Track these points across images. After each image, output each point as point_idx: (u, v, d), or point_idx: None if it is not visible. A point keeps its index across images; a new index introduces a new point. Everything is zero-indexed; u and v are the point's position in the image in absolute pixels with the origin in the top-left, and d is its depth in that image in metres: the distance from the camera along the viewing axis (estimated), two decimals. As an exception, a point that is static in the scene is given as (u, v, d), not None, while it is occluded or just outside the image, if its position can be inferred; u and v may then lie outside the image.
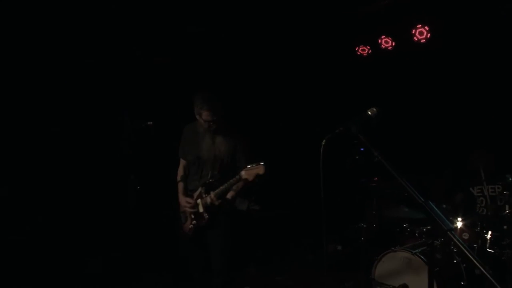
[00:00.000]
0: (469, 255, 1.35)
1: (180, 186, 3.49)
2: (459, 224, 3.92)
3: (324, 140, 1.96)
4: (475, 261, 1.34)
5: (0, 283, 4.16)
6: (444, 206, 4.07)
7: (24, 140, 4.53)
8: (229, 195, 3.22)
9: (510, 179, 3.64)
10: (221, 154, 3.25)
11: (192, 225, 3.28)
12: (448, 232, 1.43)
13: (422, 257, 3.67)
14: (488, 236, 3.69)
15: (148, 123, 3.39)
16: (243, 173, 3.06)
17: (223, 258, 3.26)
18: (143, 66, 4.74)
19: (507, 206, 3.75)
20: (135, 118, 3.83)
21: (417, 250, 3.75)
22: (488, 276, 1.31)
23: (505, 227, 3.60)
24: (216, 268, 3.25)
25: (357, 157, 4.59)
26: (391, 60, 5.83)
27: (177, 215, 3.50)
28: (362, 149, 5.40)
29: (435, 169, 4.91)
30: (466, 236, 3.83)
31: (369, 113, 1.98)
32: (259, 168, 3.03)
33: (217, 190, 3.16)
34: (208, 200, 3.18)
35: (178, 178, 3.54)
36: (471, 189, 4.43)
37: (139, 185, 4.10)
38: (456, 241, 1.39)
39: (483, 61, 4.97)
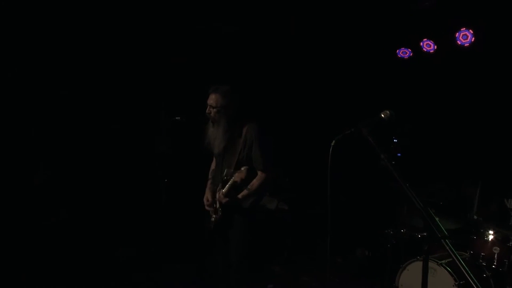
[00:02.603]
0: (460, 266, 1.31)
1: (208, 182, 3.55)
2: (491, 237, 3.75)
3: (333, 141, 1.94)
4: (465, 273, 1.31)
5: (37, 269, 4.37)
6: (475, 217, 3.92)
7: (72, 134, 4.75)
8: (240, 195, 3.14)
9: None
10: (232, 148, 3.21)
11: (213, 220, 3.34)
12: (442, 240, 1.39)
13: (448, 268, 3.55)
14: (521, 252, 3.50)
15: (176, 118, 3.43)
16: (236, 174, 3.02)
17: (238, 257, 3.22)
18: (177, 61, 4.86)
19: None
20: (168, 114, 3.91)
21: (443, 261, 3.63)
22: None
23: (539, 243, 3.41)
24: (232, 265, 3.25)
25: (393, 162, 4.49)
26: (432, 64, 5.65)
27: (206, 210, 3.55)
28: (399, 154, 5.29)
29: (471, 178, 4.72)
30: (496, 250, 3.66)
31: (382, 115, 1.95)
32: (241, 173, 2.98)
33: (224, 188, 3.13)
34: (218, 197, 3.20)
35: (210, 170, 3.60)
36: (505, 200, 4.22)
37: (169, 179, 4.20)
38: (449, 250, 1.35)
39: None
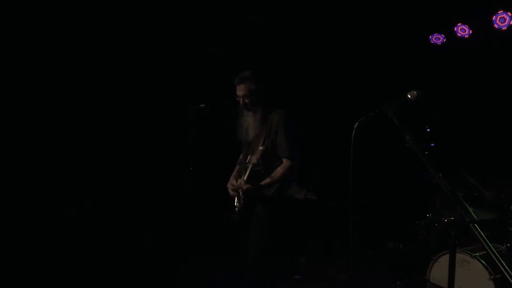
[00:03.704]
0: (490, 252, 1.22)
1: (235, 169, 3.52)
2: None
3: (356, 123, 1.86)
4: (498, 262, 1.21)
5: (59, 256, 4.47)
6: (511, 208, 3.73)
7: (101, 122, 4.83)
8: (263, 182, 3.07)
9: None
10: (258, 136, 3.15)
11: (236, 207, 3.30)
12: (470, 224, 1.30)
13: (482, 261, 3.39)
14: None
15: (201, 105, 3.41)
16: (252, 157, 2.98)
17: (257, 247, 3.13)
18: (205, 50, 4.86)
19: None
20: (193, 101, 3.88)
21: (477, 254, 3.48)
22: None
23: None
24: (251, 256, 3.16)
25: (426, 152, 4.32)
26: (468, 49, 5.41)
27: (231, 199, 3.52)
28: (432, 144, 5.08)
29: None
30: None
31: (409, 96, 1.85)
32: (257, 153, 2.94)
33: (245, 175, 3.07)
34: (239, 184, 3.13)
35: (238, 162, 3.56)
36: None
37: (195, 167, 4.20)
38: (478, 235, 1.26)
39: None
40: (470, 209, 4.03)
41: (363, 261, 5.38)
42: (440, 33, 5.61)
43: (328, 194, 5.51)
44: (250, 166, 3.05)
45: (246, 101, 3.14)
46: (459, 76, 5.55)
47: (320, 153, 5.64)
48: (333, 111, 6.13)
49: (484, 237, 1.28)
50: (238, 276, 4.27)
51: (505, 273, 1.34)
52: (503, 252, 3.66)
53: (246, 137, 3.23)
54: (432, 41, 5.72)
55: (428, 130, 5.81)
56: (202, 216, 5.00)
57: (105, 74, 4.77)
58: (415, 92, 1.84)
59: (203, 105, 3.43)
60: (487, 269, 3.33)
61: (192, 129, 4.11)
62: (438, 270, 3.71)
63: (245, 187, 3.07)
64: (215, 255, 5.04)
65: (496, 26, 4.95)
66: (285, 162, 3.09)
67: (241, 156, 3.51)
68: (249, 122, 3.19)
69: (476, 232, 1.27)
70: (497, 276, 3.27)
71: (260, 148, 3.04)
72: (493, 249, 1.30)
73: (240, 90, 3.13)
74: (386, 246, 5.87)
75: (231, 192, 3.27)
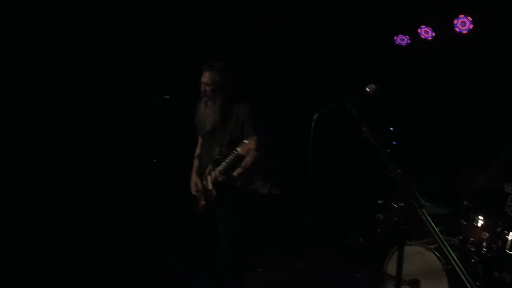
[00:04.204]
0: (438, 240, 1.30)
1: (194, 164, 3.51)
2: (480, 222, 3.74)
3: (316, 114, 1.92)
4: (446, 251, 1.29)
5: (25, 247, 4.36)
6: (465, 203, 3.91)
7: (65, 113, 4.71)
8: (235, 172, 3.11)
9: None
10: (223, 127, 3.18)
11: (203, 202, 3.31)
12: (418, 210, 1.38)
13: (436, 253, 3.54)
14: (509, 238, 3.49)
15: (165, 96, 3.39)
16: (239, 148, 2.97)
17: (229, 237, 3.19)
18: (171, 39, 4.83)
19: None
20: (160, 94, 3.85)
21: (432, 246, 3.63)
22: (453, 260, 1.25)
23: (528, 229, 3.40)
24: (222, 246, 3.21)
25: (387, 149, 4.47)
26: (430, 51, 5.61)
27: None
28: (394, 142, 5.25)
29: (465, 163, 4.71)
30: (485, 235, 3.65)
31: (367, 89, 1.92)
32: (251, 143, 2.93)
33: (220, 166, 3.09)
34: (213, 176, 3.16)
35: (195, 155, 3.56)
36: (504, 183, 4.20)
37: (160, 162, 4.19)
38: (425, 220, 1.34)
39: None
40: (427, 204, 4.20)
41: (325, 255, 5.51)
42: (404, 34, 5.77)
43: (292, 188, 5.58)
44: (217, 157, 3.09)
45: (207, 88, 3.16)
46: (423, 77, 5.73)
47: (285, 148, 5.72)
48: (299, 111, 6.22)
49: (432, 222, 1.36)
50: (206, 268, 4.31)
51: (450, 257, 1.42)
52: (456, 244, 3.84)
53: (203, 126, 3.24)
54: (397, 42, 5.89)
55: (391, 129, 5.98)
56: (168, 207, 4.98)
57: (68, 63, 4.65)
58: (373, 86, 1.92)
59: (168, 96, 3.41)
60: (440, 260, 3.48)
61: (158, 121, 4.09)
62: (395, 262, 3.83)
63: (221, 178, 3.10)
64: (182, 247, 5.04)
65: (458, 30, 5.16)
66: (253, 152, 3.10)
67: (198, 149, 3.51)
68: (208, 111, 3.20)
69: (423, 217, 1.34)
70: (449, 266, 3.42)
71: (227, 138, 3.07)
72: (439, 234, 1.38)
73: (205, 77, 3.16)
74: (348, 240, 6.04)
75: (194, 193, 3.29)
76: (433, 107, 5.75)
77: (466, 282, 1.35)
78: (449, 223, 4.06)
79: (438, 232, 1.35)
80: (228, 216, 3.21)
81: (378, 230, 4.35)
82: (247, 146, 2.93)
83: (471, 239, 3.75)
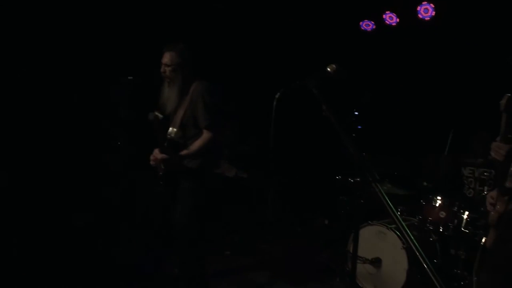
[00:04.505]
0: (394, 217, 1.34)
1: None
2: (438, 202, 3.90)
3: (278, 94, 1.93)
4: (401, 227, 1.34)
5: None
6: (425, 184, 4.06)
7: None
8: (181, 152, 3.04)
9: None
10: (180, 107, 3.13)
11: (160, 178, 3.25)
12: (373, 184, 1.42)
13: (397, 232, 3.67)
14: (465, 217, 3.66)
15: (129, 77, 3.31)
16: (175, 130, 3.02)
17: (181, 221, 3.11)
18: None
19: (485, 188, 3.71)
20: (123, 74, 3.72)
21: (393, 225, 3.76)
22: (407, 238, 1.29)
23: (482, 208, 3.56)
24: (176, 229, 3.15)
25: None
26: (395, 36, 5.72)
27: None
28: (359, 127, 5.36)
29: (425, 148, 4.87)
30: (443, 214, 3.81)
31: (329, 69, 1.95)
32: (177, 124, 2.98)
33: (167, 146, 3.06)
34: (161, 155, 3.07)
35: None
36: (462, 169, 4.39)
37: (126, 143, 4.10)
38: (379, 194, 1.38)
39: (487, 42, 4.83)
40: (388, 185, 4.32)
41: (292, 237, 5.61)
42: (370, 20, 5.86)
43: (259, 171, 5.61)
44: (169, 137, 3.05)
45: (166, 69, 3.12)
46: (387, 62, 5.84)
47: (252, 130, 5.73)
48: (264, 95, 6.23)
49: (385, 196, 1.40)
50: (170, 252, 4.30)
51: (405, 233, 1.46)
52: (416, 223, 3.99)
53: (168, 108, 3.20)
54: (362, 28, 5.96)
55: (356, 113, 6.09)
56: (132, 191, 4.91)
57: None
58: (334, 66, 1.94)
59: (131, 77, 3.33)
60: (400, 239, 3.61)
61: (122, 102, 4.00)
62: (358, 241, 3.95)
63: (159, 156, 3.04)
64: (147, 231, 5.00)
65: (420, 16, 5.27)
66: (204, 134, 3.07)
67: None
68: (168, 93, 3.16)
69: (377, 190, 1.38)
70: (409, 245, 3.55)
71: (180, 119, 3.04)
72: (393, 208, 1.43)
73: (165, 58, 3.11)
74: (314, 222, 6.16)
75: (152, 163, 3.23)
76: (397, 92, 5.88)
77: (419, 257, 1.39)
78: (409, 204, 4.22)
79: (392, 207, 1.40)
80: (181, 199, 3.14)
81: (342, 211, 4.46)
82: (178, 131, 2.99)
83: (430, 218, 3.91)
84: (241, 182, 5.44)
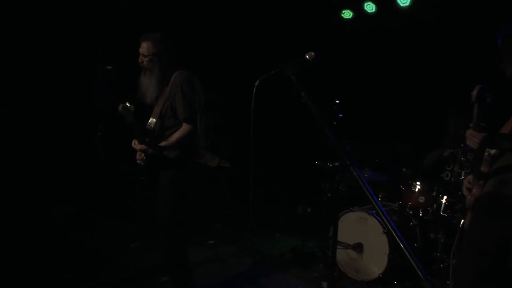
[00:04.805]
0: (372, 200, 1.36)
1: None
2: (418, 187, 3.97)
3: (257, 81, 1.93)
4: (379, 211, 1.36)
5: None
6: (404, 169, 4.12)
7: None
8: (160, 143, 3.04)
9: (469, 146, 3.63)
10: (160, 98, 3.11)
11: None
12: (351, 167, 1.44)
13: (378, 218, 3.73)
14: (443, 201, 3.73)
15: (108, 67, 3.26)
16: (154, 120, 3.00)
17: (163, 211, 3.12)
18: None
19: (462, 172, 3.79)
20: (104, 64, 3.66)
21: (374, 211, 3.81)
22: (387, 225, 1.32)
23: (460, 192, 3.63)
24: (159, 220, 3.15)
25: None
26: (374, 24, 5.74)
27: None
28: (340, 115, 5.41)
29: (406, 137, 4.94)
30: (422, 199, 3.88)
31: (307, 56, 1.95)
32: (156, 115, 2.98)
33: (147, 137, 3.04)
34: (133, 143, 3.10)
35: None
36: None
37: (105, 133, 4.05)
38: (357, 177, 1.40)
39: (462, 29, 4.91)
40: (369, 172, 4.38)
41: (275, 225, 5.65)
42: (349, 8, 5.88)
43: (241, 160, 5.62)
44: (149, 127, 3.03)
45: (143, 59, 3.09)
46: (367, 50, 5.87)
47: (234, 120, 5.72)
48: (244, 82, 6.22)
49: (363, 178, 1.42)
50: (155, 242, 4.28)
51: (383, 216, 1.47)
52: (396, 209, 4.06)
53: (147, 99, 3.17)
54: (341, 16, 5.98)
55: (337, 101, 6.12)
56: (113, 182, 4.87)
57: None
58: (312, 53, 1.95)
59: (110, 67, 3.28)
60: (381, 224, 3.67)
61: (101, 92, 3.93)
62: (340, 228, 3.96)
63: (138, 147, 3.04)
64: (128, 222, 4.98)
65: (400, 4, 5.31)
66: (184, 126, 3.06)
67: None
68: (147, 82, 3.13)
69: (355, 174, 1.41)
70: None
71: (159, 109, 3.02)
72: (371, 192, 1.45)
73: (142, 48, 3.08)
74: (296, 210, 6.22)
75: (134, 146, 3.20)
76: (376, 80, 5.93)
77: (399, 242, 1.41)
78: (389, 190, 4.29)
79: (370, 190, 1.42)
80: (161, 189, 3.13)
81: (325, 198, 4.50)
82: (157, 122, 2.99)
83: (409, 203, 3.98)
84: (224, 171, 5.44)
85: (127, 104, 2.91)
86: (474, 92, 2.12)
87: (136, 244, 4.50)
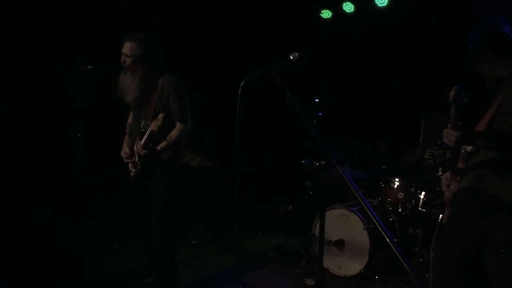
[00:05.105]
0: (356, 194, 1.41)
1: (126, 136, 3.44)
2: (396, 184, 4.07)
3: (243, 81, 1.96)
4: (365, 206, 1.40)
5: None
6: (383, 167, 4.22)
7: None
8: (159, 146, 3.08)
9: (444, 144, 3.76)
10: (148, 100, 3.11)
11: (132, 173, 3.26)
12: (337, 166, 1.48)
13: (359, 214, 3.81)
14: (421, 197, 3.84)
15: (89, 67, 3.22)
16: (152, 123, 3.00)
17: (159, 210, 3.16)
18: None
19: (440, 169, 3.91)
20: (83, 63, 3.61)
21: (355, 208, 3.89)
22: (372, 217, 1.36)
23: (437, 188, 3.75)
24: (153, 219, 3.18)
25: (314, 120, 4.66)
26: (353, 24, 5.84)
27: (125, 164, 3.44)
28: (320, 113, 5.48)
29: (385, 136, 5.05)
30: (401, 195, 3.99)
31: (291, 57, 1.99)
32: (158, 121, 2.97)
33: (142, 140, 3.03)
34: (137, 149, 3.10)
35: (126, 127, 3.47)
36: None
37: (85, 134, 4.00)
38: (343, 175, 1.45)
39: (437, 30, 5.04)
40: (349, 169, 4.48)
41: (258, 224, 5.69)
42: (328, 8, 5.96)
43: (223, 160, 5.64)
44: (147, 132, 3.00)
45: (126, 59, 3.07)
46: (346, 50, 5.97)
47: (215, 120, 5.74)
48: (225, 81, 6.23)
49: (350, 178, 1.46)
50: (135, 243, 4.26)
51: (370, 215, 1.52)
52: (376, 205, 4.16)
53: (127, 98, 3.16)
54: (320, 16, 6.06)
55: (317, 100, 6.21)
56: (94, 183, 4.82)
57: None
58: (296, 54, 2.00)
59: (91, 67, 3.24)
60: (362, 220, 3.75)
61: (81, 93, 3.89)
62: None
63: (142, 152, 3.05)
64: (110, 223, 4.94)
65: (378, 4, 5.42)
66: (179, 125, 3.14)
67: (129, 120, 3.44)
68: (128, 82, 3.12)
69: (341, 172, 1.45)
70: (370, 225, 3.71)
71: (161, 115, 3.02)
72: (357, 189, 1.49)
73: (125, 48, 3.07)
74: (279, 209, 6.28)
75: (126, 161, 3.23)
76: (355, 79, 6.03)
77: (385, 236, 1.46)
78: (369, 186, 4.38)
79: (356, 187, 1.47)
80: (155, 189, 3.17)
81: (306, 196, 4.56)
82: (157, 122, 2.97)
83: (389, 199, 4.08)
84: (205, 171, 5.45)
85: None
86: (452, 93, 2.20)
87: (117, 246, 4.47)
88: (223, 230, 5.26)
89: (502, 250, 2.85)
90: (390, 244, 1.31)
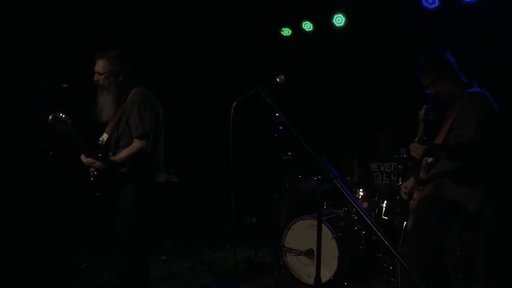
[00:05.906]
0: (356, 206, 1.55)
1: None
2: (361, 194, 4.32)
3: (234, 103, 2.08)
4: (365, 217, 1.54)
5: None
6: (348, 178, 4.46)
7: None
8: (110, 158, 3.03)
9: (404, 154, 4.07)
10: (115, 114, 3.12)
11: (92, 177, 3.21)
12: (334, 180, 1.63)
13: (327, 224, 4.00)
14: (384, 205, 4.11)
15: (63, 85, 3.19)
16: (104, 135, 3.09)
17: (125, 229, 3.08)
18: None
19: (400, 178, 4.20)
20: (52, 82, 3.58)
21: (324, 218, 4.08)
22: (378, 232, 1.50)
23: (397, 197, 4.03)
24: (120, 237, 3.10)
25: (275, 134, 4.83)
26: (312, 42, 6.12)
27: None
28: (281, 128, 5.67)
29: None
30: (365, 205, 4.24)
31: (278, 80, 2.14)
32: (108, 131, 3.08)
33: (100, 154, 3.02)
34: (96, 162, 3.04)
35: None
36: (370, 164, 4.91)
37: (53, 152, 3.93)
38: (341, 188, 1.59)
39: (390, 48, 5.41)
40: (314, 181, 4.68)
41: (225, 237, 5.75)
42: (288, 27, 6.22)
43: (191, 175, 5.68)
44: (100, 142, 3.07)
45: (99, 77, 3.08)
46: (307, 67, 6.22)
47: (184, 134, 5.79)
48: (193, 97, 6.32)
49: (346, 189, 1.61)
50: (105, 261, 4.20)
51: (371, 224, 1.61)
52: (342, 215, 4.37)
53: (103, 117, 3.14)
54: (281, 34, 6.31)
55: (277, 115, 6.40)
56: (62, 203, 4.70)
57: None
58: (282, 77, 2.15)
59: (66, 85, 3.21)
60: (330, 230, 3.94)
61: (48, 111, 3.82)
62: (292, 236, 4.23)
63: (85, 160, 3.03)
64: (78, 242, 4.83)
65: (335, 24, 5.74)
66: (134, 143, 3.04)
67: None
68: (103, 101, 3.12)
69: (339, 185, 1.60)
70: (338, 234, 3.91)
71: (113, 126, 3.06)
72: (354, 199, 1.65)
73: (97, 66, 3.07)
74: (244, 221, 6.38)
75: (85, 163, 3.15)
76: (317, 93, 6.29)
77: (379, 235, 1.57)
78: (334, 198, 4.60)
79: (353, 198, 1.62)
80: (123, 207, 3.10)
81: (275, 208, 4.72)
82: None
83: (354, 209, 4.31)
84: (172, 186, 5.45)
85: (61, 114, 2.89)
86: (422, 112, 2.45)
87: (86, 265, 4.38)
88: (190, 245, 5.28)
89: (458, 253, 3.16)
90: (389, 246, 1.46)
